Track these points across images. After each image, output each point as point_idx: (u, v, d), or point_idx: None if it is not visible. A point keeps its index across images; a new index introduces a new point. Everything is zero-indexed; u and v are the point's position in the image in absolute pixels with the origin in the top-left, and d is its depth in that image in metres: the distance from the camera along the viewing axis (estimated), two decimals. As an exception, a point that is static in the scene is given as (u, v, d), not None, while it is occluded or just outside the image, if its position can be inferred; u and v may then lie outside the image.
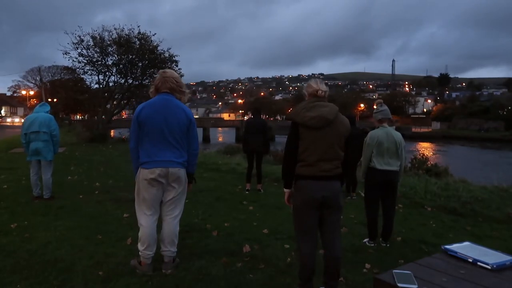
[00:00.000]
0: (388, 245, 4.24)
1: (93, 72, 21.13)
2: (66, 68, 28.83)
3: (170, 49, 21.26)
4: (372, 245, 4.25)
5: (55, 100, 42.37)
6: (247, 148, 7.15)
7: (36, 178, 6.00)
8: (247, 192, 7.04)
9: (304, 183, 2.78)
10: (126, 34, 20.14)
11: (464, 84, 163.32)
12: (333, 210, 2.82)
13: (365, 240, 4.35)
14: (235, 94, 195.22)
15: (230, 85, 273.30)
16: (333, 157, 2.78)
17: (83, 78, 24.80)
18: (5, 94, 77.01)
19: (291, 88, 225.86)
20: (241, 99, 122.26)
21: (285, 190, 2.93)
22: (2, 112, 73.97)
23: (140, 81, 21.54)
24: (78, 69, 21.59)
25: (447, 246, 2.14)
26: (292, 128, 2.83)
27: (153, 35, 20.79)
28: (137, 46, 20.26)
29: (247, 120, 7.75)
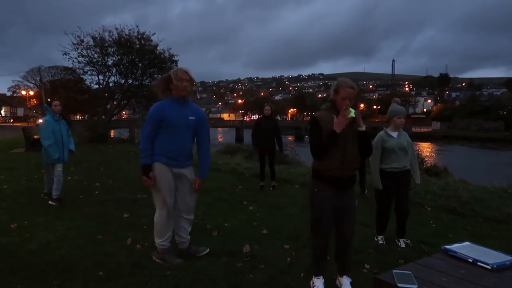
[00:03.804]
0: (403, 245, 4.19)
1: (93, 73, 21.19)
2: (66, 68, 28.86)
3: (170, 49, 21.33)
4: (382, 243, 4.22)
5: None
6: (259, 147, 7.26)
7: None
8: (261, 185, 7.36)
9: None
10: (126, 35, 20.16)
11: (464, 84, 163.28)
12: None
13: (377, 238, 4.31)
14: (235, 94, 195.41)
15: (230, 85, 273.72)
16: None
17: (83, 78, 24.87)
18: (5, 94, 76.94)
19: (291, 88, 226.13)
20: (241, 99, 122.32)
21: None
22: (2, 112, 73.91)
23: (140, 81, 21.55)
24: (78, 70, 21.64)
25: (447, 246, 2.14)
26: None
27: (153, 34, 20.83)
28: (138, 46, 20.27)
29: (257, 119, 7.76)
